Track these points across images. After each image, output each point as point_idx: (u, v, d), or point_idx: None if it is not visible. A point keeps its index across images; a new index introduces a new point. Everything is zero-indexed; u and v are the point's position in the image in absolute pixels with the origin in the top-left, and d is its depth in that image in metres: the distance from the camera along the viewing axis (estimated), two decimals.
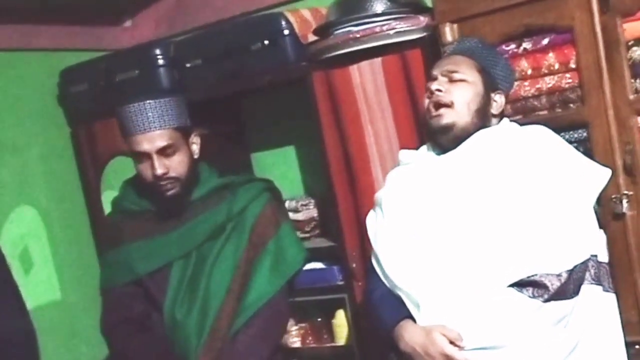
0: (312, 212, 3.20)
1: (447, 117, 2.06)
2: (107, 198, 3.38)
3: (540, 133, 2.09)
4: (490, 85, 2.12)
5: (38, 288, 3.24)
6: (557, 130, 2.37)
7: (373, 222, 2.18)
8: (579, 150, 2.35)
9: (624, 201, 2.27)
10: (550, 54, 2.36)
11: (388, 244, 2.07)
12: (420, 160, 2.15)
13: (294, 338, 3.19)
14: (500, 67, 2.16)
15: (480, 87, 2.09)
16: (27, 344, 2.21)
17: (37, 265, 3.28)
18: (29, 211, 3.29)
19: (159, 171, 2.24)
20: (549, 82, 2.38)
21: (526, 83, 2.40)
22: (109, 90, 3.22)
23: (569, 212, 1.96)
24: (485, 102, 2.10)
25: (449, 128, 2.06)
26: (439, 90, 2.06)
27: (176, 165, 2.28)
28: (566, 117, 2.36)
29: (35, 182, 3.31)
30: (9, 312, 2.19)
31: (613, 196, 2.28)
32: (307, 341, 3.18)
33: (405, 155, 2.23)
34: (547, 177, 1.98)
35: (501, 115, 2.17)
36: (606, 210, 2.29)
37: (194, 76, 3.06)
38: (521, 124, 2.19)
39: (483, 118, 2.09)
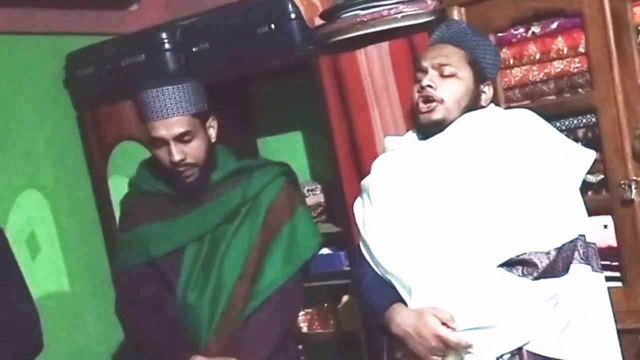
0: (319, 197, 3.20)
1: (437, 112, 2.05)
2: (114, 182, 3.39)
3: (525, 116, 2.09)
4: (480, 78, 2.11)
5: (45, 272, 3.25)
6: (566, 115, 2.36)
7: (360, 208, 2.18)
8: (587, 135, 2.34)
9: (633, 187, 2.26)
10: (559, 38, 2.34)
11: (377, 230, 2.07)
12: (405, 146, 2.15)
13: (301, 323, 3.20)
14: (489, 56, 2.14)
15: (470, 82, 2.08)
16: (30, 326, 2.21)
17: (43, 250, 3.28)
18: (36, 196, 3.29)
19: (177, 157, 2.25)
20: (557, 66, 2.36)
21: (534, 67, 2.39)
22: (115, 74, 3.22)
23: (555, 192, 1.97)
24: (475, 96, 2.10)
25: (438, 123, 2.06)
26: (430, 87, 2.05)
27: (193, 151, 2.28)
28: (575, 102, 2.34)
29: (42, 167, 3.31)
30: (12, 295, 2.19)
31: (622, 182, 2.26)
32: (314, 326, 3.19)
33: (390, 141, 2.23)
34: (532, 158, 1.99)
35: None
36: (615, 196, 2.28)
37: (201, 60, 3.05)
38: (529, 109, 2.18)
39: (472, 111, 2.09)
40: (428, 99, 2.06)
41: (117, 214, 3.37)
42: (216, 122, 2.37)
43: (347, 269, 2.96)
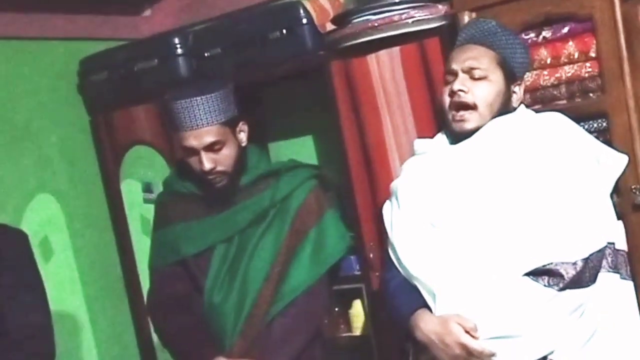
0: None
1: (470, 122, 2.03)
2: (126, 186, 3.41)
3: (557, 120, 2.06)
4: (510, 78, 2.09)
5: (57, 276, 3.26)
6: (577, 120, 2.34)
7: (389, 212, 2.17)
8: (598, 140, 2.33)
9: None
10: (570, 43, 2.34)
11: (404, 233, 2.06)
12: (435, 149, 2.14)
13: None
14: (519, 54, 2.12)
15: (501, 84, 2.06)
16: (42, 337, 2.21)
17: (56, 254, 3.30)
18: (49, 200, 3.31)
19: (207, 167, 2.28)
20: (568, 71, 2.35)
21: (545, 72, 2.38)
22: (128, 79, 3.23)
23: (585, 200, 1.95)
24: (507, 98, 2.08)
25: (473, 132, 2.04)
26: (462, 91, 2.03)
27: (224, 159, 2.30)
28: (586, 106, 2.33)
29: (55, 171, 3.32)
30: (27, 304, 2.19)
31: (633, 187, 2.25)
32: (340, 328, 3.17)
33: (420, 144, 2.22)
34: (563, 164, 1.97)
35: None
36: (626, 201, 2.27)
37: (212, 65, 3.06)
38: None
39: (504, 113, 2.07)
40: (461, 105, 2.03)
41: (129, 217, 3.41)
42: (246, 126, 2.38)
43: (357, 273, 2.96)
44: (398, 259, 2.06)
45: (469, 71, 2.05)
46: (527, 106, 2.41)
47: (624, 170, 2.19)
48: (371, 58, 2.69)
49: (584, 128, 2.35)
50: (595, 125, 2.33)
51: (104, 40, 3.44)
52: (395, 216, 2.12)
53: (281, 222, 2.38)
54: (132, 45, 3.38)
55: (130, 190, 3.40)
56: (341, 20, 2.74)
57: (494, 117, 2.05)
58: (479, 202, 1.97)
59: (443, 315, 1.93)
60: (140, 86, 3.21)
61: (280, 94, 3.39)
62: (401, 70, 2.67)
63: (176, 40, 3.15)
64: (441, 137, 2.16)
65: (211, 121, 2.26)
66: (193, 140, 2.27)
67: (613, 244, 1.98)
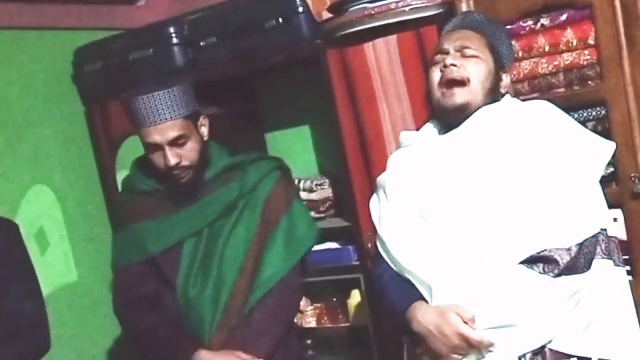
0: (327, 191, 3.19)
1: (461, 96, 2.01)
2: (122, 177, 3.38)
3: (544, 108, 2.05)
4: (499, 64, 2.09)
5: (53, 267, 3.25)
6: (575, 108, 2.35)
7: (376, 205, 2.15)
8: (597, 128, 2.33)
9: None
10: (569, 30, 2.33)
11: (394, 227, 2.05)
12: (422, 140, 2.12)
13: (310, 318, 3.19)
14: (505, 45, 2.13)
15: (491, 65, 2.06)
16: (37, 327, 2.20)
17: (52, 245, 3.29)
18: (44, 191, 3.29)
19: (172, 162, 2.26)
20: (567, 58, 2.35)
21: (544, 60, 2.37)
22: (123, 69, 3.22)
23: (576, 186, 1.94)
24: (496, 81, 2.07)
25: (463, 107, 2.02)
26: (454, 65, 2.02)
27: (188, 153, 2.29)
28: (584, 94, 2.33)
29: (50, 162, 3.31)
30: (20, 293, 2.19)
31: (632, 175, 2.25)
32: (323, 321, 3.18)
33: (406, 136, 2.21)
34: (552, 151, 1.96)
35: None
36: (625, 189, 2.27)
37: (208, 54, 3.04)
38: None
39: (494, 98, 2.06)
40: (453, 81, 2.02)
41: None
42: (207, 120, 2.37)
43: (355, 263, 2.95)
44: (389, 253, 2.05)
45: (460, 49, 2.05)
46: (525, 94, 2.41)
47: (617, 158, 2.19)
48: (368, 46, 2.68)
49: (582, 116, 2.35)
50: (593, 113, 2.33)
51: (98, 29, 3.41)
52: (384, 210, 2.11)
53: (251, 212, 2.37)
54: (127, 35, 3.36)
55: None
56: (337, 8, 2.72)
57: (484, 96, 2.03)
58: (469, 192, 1.96)
59: (441, 306, 1.92)
60: (136, 76, 3.19)
61: (277, 83, 3.37)
62: (398, 58, 2.65)
63: (171, 30, 3.13)
64: (429, 128, 2.15)
65: (174, 115, 2.24)
66: (157, 135, 2.24)
67: (605, 230, 1.97)
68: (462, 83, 2.01)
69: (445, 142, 2.05)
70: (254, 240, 2.35)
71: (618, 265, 1.99)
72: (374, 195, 2.20)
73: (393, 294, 2.03)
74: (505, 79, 2.11)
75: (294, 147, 3.37)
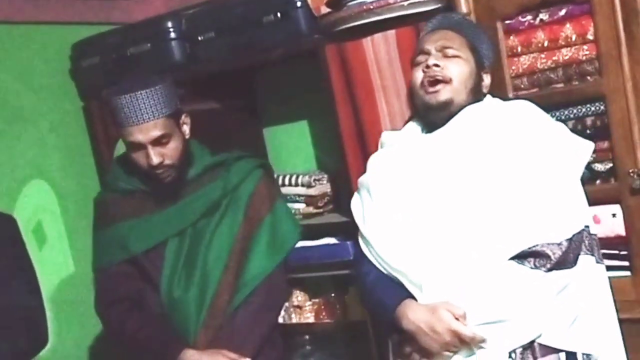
0: (325, 187, 3.18)
1: (444, 93, 2.03)
2: None
3: (526, 107, 2.07)
4: (479, 64, 2.10)
5: (51, 262, 3.25)
6: (574, 103, 2.35)
7: (359, 206, 2.15)
8: (596, 124, 2.32)
9: None
10: (568, 25, 2.32)
11: (381, 227, 2.05)
12: (405, 140, 2.13)
13: (308, 314, 3.19)
14: (485, 46, 2.15)
15: (473, 65, 2.08)
16: (34, 321, 2.21)
17: (50, 240, 3.28)
18: (42, 186, 3.29)
19: (155, 161, 2.26)
20: (565, 54, 2.34)
21: (542, 55, 2.37)
22: (120, 64, 3.20)
23: (559, 183, 1.97)
24: (478, 80, 2.09)
25: (447, 104, 2.03)
26: (437, 65, 2.02)
27: (171, 152, 2.29)
28: (583, 90, 2.32)
29: (48, 156, 3.30)
30: (18, 288, 2.19)
31: (630, 170, 2.24)
32: (321, 317, 3.17)
33: (388, 137, 2.21)
34: (535, 149, 1.98)
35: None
36: (623, 185, 2.27)
37: (206, 49, 3.03)
38: (537, 97, 2.16)
39: (476, 97, 2.07)
40: (435, 80, 2.03)
41: None
42: (189, 119, 2.37)
43: (353, 258, 2.95)
44: (376, 254, 2.05)
45: (441, 50, 2.06)
46: (524, 89, 2.40)
47: (616, 153, 2.19)
48: (366, 41, 2.67)
49: (581, 112, 2.35)
50: (592, 108, 2.32)
51: (96, 24, 3.40)
52: (368, 210, 2.11)
53: (234, 211, 2.37)
54: (125, 30, 3.34)
55: None
56: (336, 3, 2.71)
57: (467, 96, 2.04)
58: (457, 190, 1.97)
59: (431, 303, 1.92)
60: (134, 71, 3.18)
61: (275, 78, 3.37)
62: (397, 53, 2.64)
63: (169, 24, 3.12)
64: (411, 128, 2.15)
65: (157, 115, 2.24)
66: (139, 134, 2.24)
67: (588, 227, 1.99)
68: (445, 82, 2.02)
69: (431, 142, 2.06)
70: (238, 239, 2.35)
71: (599, 263, 2.02)
72: (356, 196, 2.20)
73: (380, 293, 2.03)
74: (487, 79, 2.13)
75: (292, 142, 3.36)
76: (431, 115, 2.07)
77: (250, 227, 2.37)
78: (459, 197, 1.96)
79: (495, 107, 2.09)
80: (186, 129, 2.35)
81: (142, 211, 2.36)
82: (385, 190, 2.07)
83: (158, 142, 2.25)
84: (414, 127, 2.15)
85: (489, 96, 2.15)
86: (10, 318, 2.15)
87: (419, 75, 2.07)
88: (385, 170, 2.11)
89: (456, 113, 2.04)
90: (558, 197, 1.94)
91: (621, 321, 2.13)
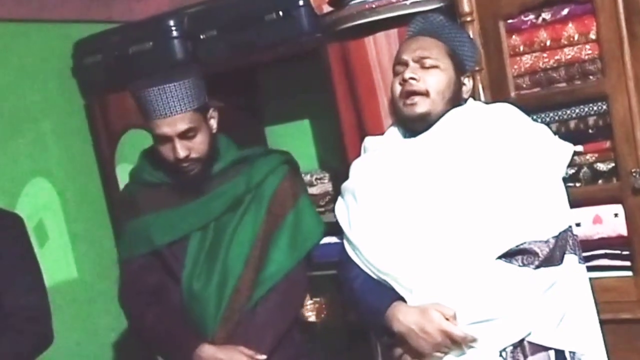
0: (327, 186, 3.18)
1: (421, 105, 2.03)
2: (122, 170, 3.38)
3: (507, 110, 2.09)
4: (459, 69, 2.10)
5: (53, 260, 3.25)
6: (576, 103, 2.34)
7: (344, 211, 2.15)
8: (598, 123, 2.32)
9: None
10: (570, 25, 2.32)
11: (367, 231, 2.05)
12: (387, 145, 2.13)
13: (309, 312, 3.19)
14: (467, 47, 2.14)
15: (451, 73, 2.07)
16: (40, 319, 2.21)
17: (51, 238, 3.29)
18: (44, 184, 3.30)
19: (182, 154, 2.26)
20: (568, 53, 2.33)
21: (545, 54, 2.36)
22: (122, 62, 3.21)
23: (544, 182, 1.98)
24: (457, 88, 2.09)
25: (424, 116, 2.04)
26: (413, 79, 2.02)
27: (197, 146, 2.29)
28: (585, 89, 2.32)
29: (50, 155, 3.31)
30: (24, 286, 2.19)
31: (633, 170, 2.24)
32: (322, 315, 3.18)
33: (371, 141, 2.21)
34: (518, 150, 2.00)
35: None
36: (625, 185, 2.26)
37: (208, 48, 3.04)
38: (539, 96, 2.16)
39: (455, 104, 2.07)
40: (412, 93, 2.03)
41: None
42: (217, 113, 2.37)
43: None
44: (363, 258, 2.05)
45: (419, 60, 2.06)
46: (526, 88, 2.40)
47: (618, 153, 2.19)
48: (368, 40, 2.67)
49: (583, 111, 2.35)
50: (595, 108, 2.32)
51: (98, 22, 3.41)
52: (354, 215, 2.10)
53: (257, 207, 2.37)
54: (127, 28, 3.35)
55: (125, 174, 3.36)
56: (338, 1, 2.71)
57: (445, 105, 2.05)
58: (442, 192, 1.98)
59: (422, 305, 1.93)
60: (135, 69, 3.18)
61: (277, 76, 3.37)
62: None
63: (171, 23, 3.12)
64: (392, 133, 2.15)
65: (184, 108, 2.24)
66: (166, 127, 2.24)
67: (571, 227, 2.01)
68: (422, 94, 2.02)
69: (414, 146, 2.07)
70: (260, 236, 2.35)
71: (581, 263, 2.03)
72: (340, 201, 2.19)
73: (369, 297, 2.03)
74: (468, 84, 2.13)
75: (294, 140, 3.36)
76: (410, 125, 2.08)
77: (273, 223, 2.36)
78: (445, 199, 1.97)
79: (477, 111, 2.10)
80: (213, 123, 2.35)
81: (166, 204, 2.37)
82: (371, 194, 2.08)
83: (185, 135, 2.25)
84: (395, 132, 2.15)
85: (470, 100, 2.15)
86: (16, 316, 2.15)
87: (397, 87, 2.08)
88: (369, 175, 2.11)
89: (435, 122, 2.05)
90: (542, 196, 1.96)
91: (623, 321, 2.14)
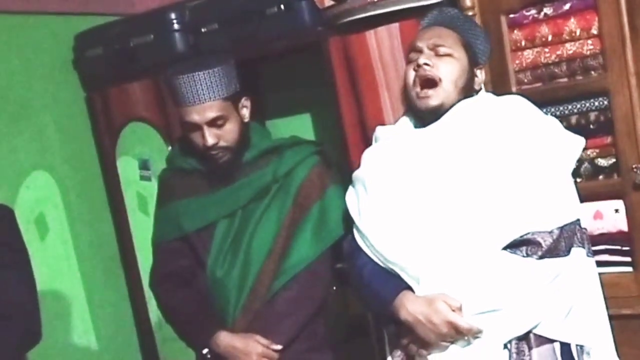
0: None
1: (435, 98, 2.03)
2: (123, 163, 3.39)
3: (518, 102, 2.08)
4: (473, 61, 2.10)
5: (53, 253, 3.26)
6: (578, 98, 2.34)
7: (354, 200, 2.15)
8: (600, 118, 2.32)
9: None
10: (572, 20, 2.32)
11: (377, 220, 2.05)
12: (398, 135, 2.13)
13: None
14: (480, 41, 2.13)
15: (465, 63, 2.07)
16: (26, 316, 2.14)
17: (52, 231, 3.29)
18: (45, 177, 3.29)
19: (210, 142, 2.26)
20: (570, 48, 2.33)
21: (546, 49, 2.36)
22: (123, 55, 3.21)
23: (552, 174, 1.97)
24: (470, 78, 2.09)
25: (436, 109, 2.04)
26: (427, 65, 2.03)
27: (227, 134, 2.29)
28: (587, 84, 2.32)
29: (51, 147, 3.31)
30: (11, 281, 2.14)
31: (634, 166, 2.24)
32: None
33: (382, 131, 2.21)
34: (527, 143, 1.98)
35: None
36: (626, 181, 2.26)
37: (209, 41, 3.03)
38: (541, 91, 2.16)
39: (468, 95, 2.07)
40: (426, 80, 2.03)
41: (125, 194, 3.40)
42: (249, 102, 2.36)
43: None
44: (372, 247, 2.06)
45: (434, 48, 2.06)
46: (528, 83, 2.40)
47: (619, 149, 2.18)
48: (370, 34, 2.67)
49: (585, 106, 2.35)
50: (596, 103, 2.32)
51: (99, 15, 3.41)
52: (363, 203, 2.11)
53: (284, 197, 2.37)
54: (128, 21, 3.34)
55: (127, 167, 3.39)
56: None
57: (458, 95, 2.05)
58: (450, 182, 1.98)
59: (429, 295, 1.93)
60: (137, 62, 3.18)
61: (278, 70, 3.36)
62: (400, 46, 2.64)
63: (173, 16, 3.12)
64: (404, 122, 2.15)
65: (214, 96, 2.24)
66: (195, 115, 2.25)
67: (579, 220, 2.00)
68: (435, 83, 2.02)
69: (425, 135, 2.07)
70: (284, 226, 2.35)
71: (589, 256, 2.02)
72: (350, 190, 2.20)
73: (377, 285, 2.03)
74: (480, 76, 2.13)
75: (295, 134, 3.33)
76: (422, 116, 2.09)
77: (299, 214, 2.36)
78: (453, 189, 1.97)
79: (488, 102, 2.10)
80: (245, 112, 2.35)
81: (197, 191, 2.38)
82: (380, 183, 2.08)
83: (214, 123, 2.26)
84: (407, 121, 2.15)
85: (482, 91, 2.15)
86: (3, 312, 2.11)
87: (410, 74, 2.08)
88: (379, 164, 2.12)
89: (445, 112, 2.05)
90: (549, 187, 1.95)
91: (623, 317, 2.14)
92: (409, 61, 2.10)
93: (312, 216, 2.37)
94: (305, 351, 2.36)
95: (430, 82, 2.03)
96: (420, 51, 2.07)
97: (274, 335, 2.30)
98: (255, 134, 2.42)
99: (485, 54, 2.16)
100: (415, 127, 2.12)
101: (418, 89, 2.05)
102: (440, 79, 2.03)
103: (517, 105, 2.07)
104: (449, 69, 2.04)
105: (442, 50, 2.05)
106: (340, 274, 3.02)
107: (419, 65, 2.04)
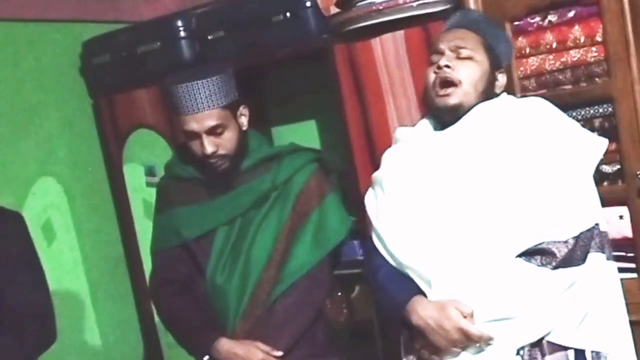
0: None
1: (454, 97, 2.04)
2: (129, 170, 3.40)
3: (539, 105, 2.07)
4: (494, 64, 2.10)
5: (60, 259, 3.27)
6: (582, 105, 2.34)
7: (373, 201, 2.16)
8: (604, 125, 2.32)
9: None
10: (576, 27, 2.32)
11: (392, 222, 2.06)
12: (418, 137, 2.13)
13: None
14: (503, 45, 2.14)
15: (486, 67, 2.07)
16: (43, 318, 2.20)
17: (59, 237, 3.30)
18: (51, 183, 3.30)
19: (209, 150, 2.28)
20: (574, 55, 2.34)
21: (551, 56, 2.37)
22: (130, 62, 3.22)
23: (571, 181, 1.96)
24: (491, 82, 2.09)
25: (455, 108, 2.04)
26: (448, 67, 2.03)
27: (225, 142, 2.31)
28: (591, 91, 2.32)
29: (58, 154, 3.32)
30: (27, 284, 2.19)
31: (638, 172, 2.24)
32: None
33: (402, 132, 2.22)
34: (547, 147, 1.98)
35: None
36: (631, 187, 2.27)
37: (215, 48, 3.04)
38: (545, 98, 2.16)
39: (487, 98, 2.07)
40: (446, 81, 2.04)
41: (131, 201, 3.41)
42: (247, 110, 2.38)
43: (360, 258, 2.95)
44: (387, 249, 2.06)
45: (455, 50, 2.06)
46: (532, 90, 2.41)
47: (623, 155, 2.18)
48: (375, 42, 2.68)
49: (589, 113, 2.35)
50: (600, 110, 2.32)
51: (106, 22, 3.42)
52: (381, 206, 2.12)
53: (283, 204, 2.38)
54: (135, 28, 3.36)
55: (133, 174, 3.40)
56: (345, 3, 2.72)
57: (478, 98, 2.05)
58: (467, 187, 1.97)
59: (440, 300, 1.93)
60: (143, 69, 3.20)
61: (284, 77, 3.37)
62: (405, 54, 2.66)
63: (179, 23, 3.13)
64: (425, 124, 2.16)
65: (212, 105, 2.26)
66: (194, 123, 2.27)
67: (598, 225, 1.99)
68: (454, 84, 2.03)
69: (443, 138, 2.06)
70: (283, 232, 2.36)
71: (609, 260, 2.01)
72: (370, 191, 2.20)
73: (391, 288, 2.04)
74: (502, 79, 2.12)
75: (300, 141, 3.31)
76: (442, 116, 2.08)
77: (298, 221, 2.38)
78: (470, 194, 1.97)
79: (508, 104, 2.09)
80: (244, 120, 2.37)
81: (196, 199, 2.40)
82: (398, 185, 2.08)
83: (212, 131, 2.28)
84: (427, 123, 2.15)
85: (504, 94, 2.15)
86: (18, 315, 2.15)
87: (431, 75, 2.08)
88: (397, 166, 2.12)
89: (466, 113, 2.05)
90: (566, 195, 1.94)
91: (629, 323, 2.13)
92: (430, 63, 2.10)
93: (311, 223, 2.39)
94: (306, 357, 2.37)
95: (450, 83, 2.04)
96: (442, 53, 2.07)
97: (275, 342, 2.32)
98: (253, 142, 2.43)
99: (507, 58, 2.16)
100: (435, 129, 2.12)
101: (438, 88, 2.05)
102: (460, 81, 2.03)
103: (537, 108, 2.06)
104: (469, 71, 2.04)
105: (463, 52, 2.05)
106: (339, 280, 3.04)
107: (439, 67, 2.04)
